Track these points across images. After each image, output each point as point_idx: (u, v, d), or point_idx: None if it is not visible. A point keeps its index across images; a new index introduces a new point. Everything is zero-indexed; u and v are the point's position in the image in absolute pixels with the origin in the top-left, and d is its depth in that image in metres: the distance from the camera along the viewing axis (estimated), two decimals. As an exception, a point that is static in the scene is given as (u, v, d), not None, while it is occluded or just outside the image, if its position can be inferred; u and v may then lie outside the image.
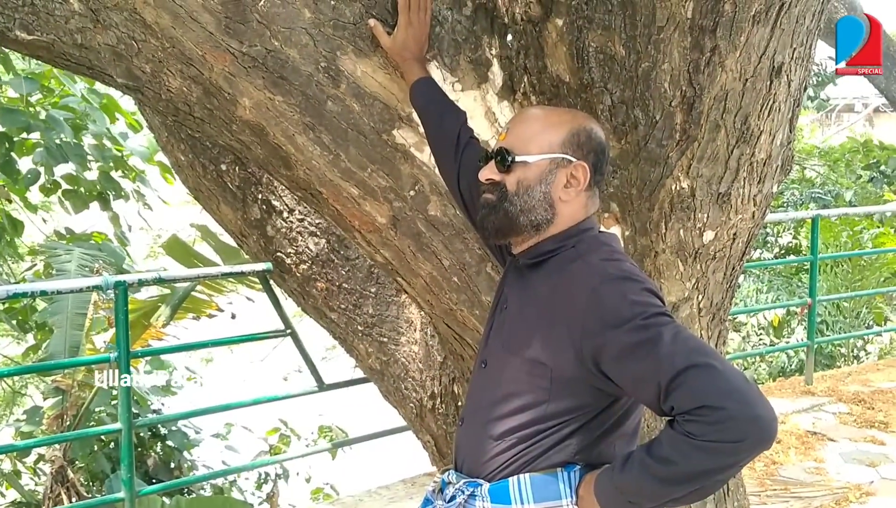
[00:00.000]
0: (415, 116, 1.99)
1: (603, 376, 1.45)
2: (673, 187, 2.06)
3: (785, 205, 11.28)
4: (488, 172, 1.62)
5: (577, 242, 1.59)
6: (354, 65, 1.93)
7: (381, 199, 2.09)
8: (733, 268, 2.35)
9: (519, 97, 2.06)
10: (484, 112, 2.06)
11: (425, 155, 2.04)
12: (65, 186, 5.97)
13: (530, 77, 2.03)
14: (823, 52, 13.54)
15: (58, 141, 5.40)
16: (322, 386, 3.78)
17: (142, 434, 5.64)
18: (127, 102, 6.09)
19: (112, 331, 4.80)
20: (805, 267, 8.66)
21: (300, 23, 1.85)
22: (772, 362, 10.45)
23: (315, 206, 2.26)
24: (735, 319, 10.93)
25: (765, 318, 9.67)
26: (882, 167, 11.50)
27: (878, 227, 10.10)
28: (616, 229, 2.15)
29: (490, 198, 1.61)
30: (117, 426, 3.18)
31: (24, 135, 5.57)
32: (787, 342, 9.94)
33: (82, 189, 5.90)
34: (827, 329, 9.28)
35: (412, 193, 2.10)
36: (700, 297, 2.32)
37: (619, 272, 1.50)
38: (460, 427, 1.69)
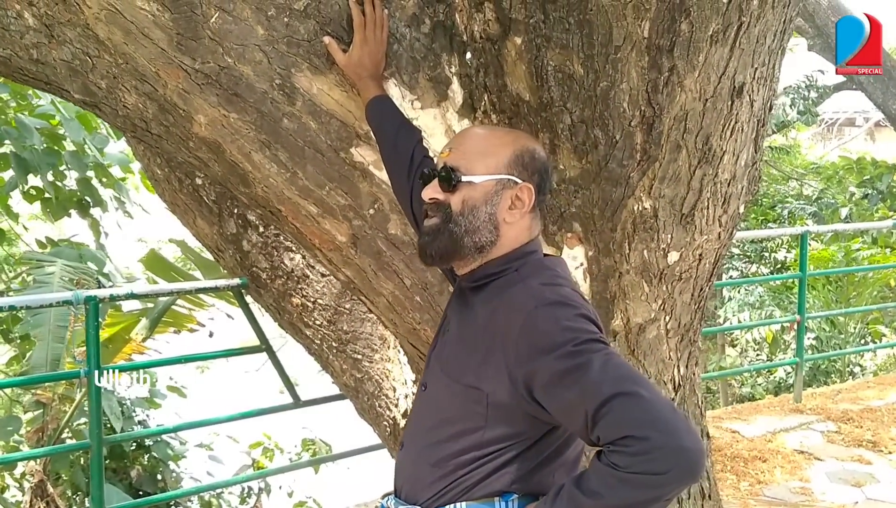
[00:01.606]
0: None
1: (536, 403, 1.41)
2: (635, 208, 2.03)
3: (781, 220, 11.26)
4: (432, 191, 1.58)
5: (521, 265, 1.56)
6: (310, 82, 1.90)
7: (340, 217, 2.07)
8: (701, 289, 2.32)
9: (479, 115, 2.03)
10: (444, 130, 2.04)
11: (384, 173, 2.01)
12: (47, 194, 5.93)
13: (490, 95, 2.00)
14: (818, 65, 13.54)
15: (28, 148, 5.33)
16: (298, 402, 3.74)
17: (124, 447, 5.59)
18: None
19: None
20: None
21: (253, 40, 1.82)
22: (769, 377, 10.43)
23: (276, 224, 2.24)
24: (732, 334, 10.92)
25: (759, 333, 9.64)
26: (876, 184, 11.47)
27: (872, 247, 10.09)
28: (579, 249, 2.13)
29: (434, 223, 1.57)
30: (87, 441, 3.14)
31: None
32: (782, 359, 9.91)
33: (57, 197, 5.84)
34: (821, 346, 9.23)
35: (371, 211, 2.07)
36: (667, 318, 2.29)
37: (556, 297, 1.46)
38: (400, 451, 1.66)
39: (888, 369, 9.67)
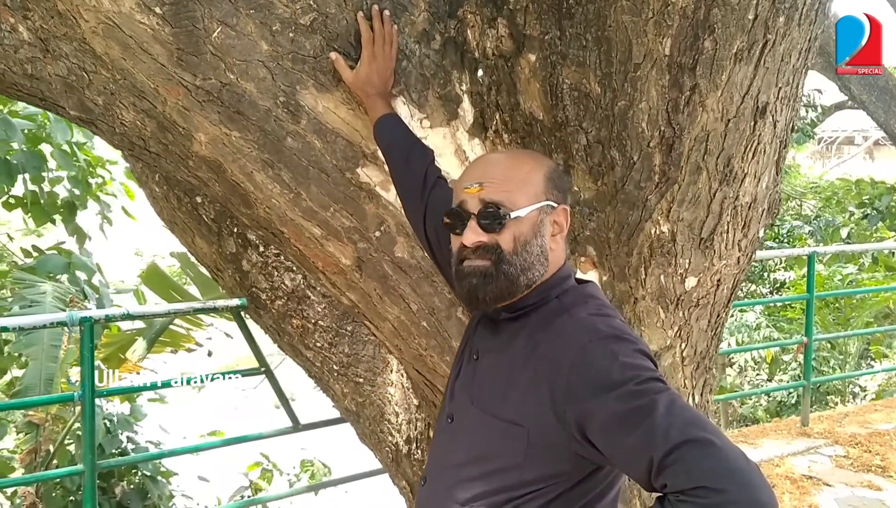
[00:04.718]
0: (380, 153, 1.89)
1: (588, 444, 1.31)
2: (652, 231, 1.95)
3: (780, 238, 11.21)
4: (474, 236, 1.43)
5: (560, 292, 1.47)
6: (315, 100, 1.82)
7: (344, 240, 1.99)
8: (718, 315, 2.24)
9: (491, 135, 1.96)
10: (454, 150, 1.96)
11: (391, 194, 1.93)
12: (27, 200, 5.83)
13: (502, 114, 1.93)
14: (816, 84, 13.52)
15: (13, 152, 5.22)
16: (297, 427, 3.64)
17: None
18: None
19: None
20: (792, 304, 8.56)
21: (257, 55, 1.75)
22: (770, 397, 10.34)
23: (278, 246, 2.16)
24: (731, 356, 10.84)
25: (759, 354, 9.56)
26: (876, 204, 11.43)
27: (873, 269, 10.05)
28: (593, 274, 2.05)
29: (482, 265, 1.43)
30: (80, 467, 3.04)
31: None
32: (782, 380, 9.83)
33: (39, 203, 5.74)
34: (821, 366, 9.16)
35: (378, 233, 1.99)
36: (683, 345, 2.21)
37: (610, 330, 1.37)
38: (423, 487, 1.56)
39: (890, 390, 9.58)
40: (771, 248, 10.40)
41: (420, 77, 1.90)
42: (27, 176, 5.71)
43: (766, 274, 11.20)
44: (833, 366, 9.49)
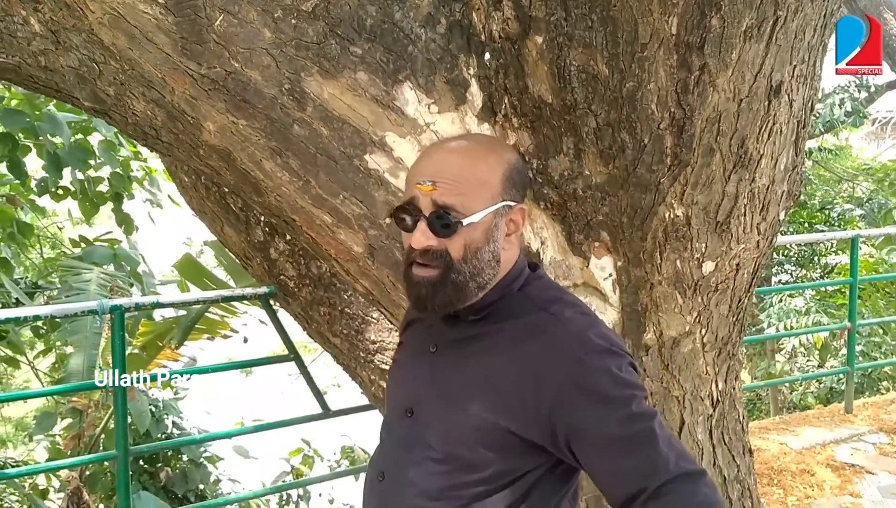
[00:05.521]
0: (388, 139, 1.88)
1: (570, 453, 1.34)
2: (666, 215, 1.91)
3: (830, 222, 10.96)
4: (424, 239, 1.37)
5: (521, 284, 1.46)
6: (321, 86, 1.82)
7: (355, 227, 1.98)
8: (739, 300, 2.19)
9: (500, 119, 1.93)
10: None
11: (400, 181, 1.92)
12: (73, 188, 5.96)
13: (511, 98, 1.90)
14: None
15: (58, 143, 5.33)
16: (327, 413, 3.67)
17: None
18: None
19: (129, 350, 4.77)
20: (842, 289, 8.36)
21: (260, 43, 1.75)
22: (819, 384, 10.14)
23: (291, 234, 2.17)
24: (780, 340, 10.64)
25: (808, 340, 9.37)
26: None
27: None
28: (608, 260, 2.02)
29: (429, 275, 1.38)
30: (114, 452, 3.10)
31: (24, 139, 5.52)
32: (833, 366, 9.64)
33: (88, 193, 5.85)
34: (871, 351, 8.94)
35: (388, 220, 1.98)
36: (703, 331, 2.17)
37: (603, 342, 1.36)
38: (381, 482, 1.50)
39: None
40: (821, 231, 10.16)
41: (426, 62, 1.88)
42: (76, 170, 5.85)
43: (816, 258, 10.98)
44: (885, 351, 9.27)
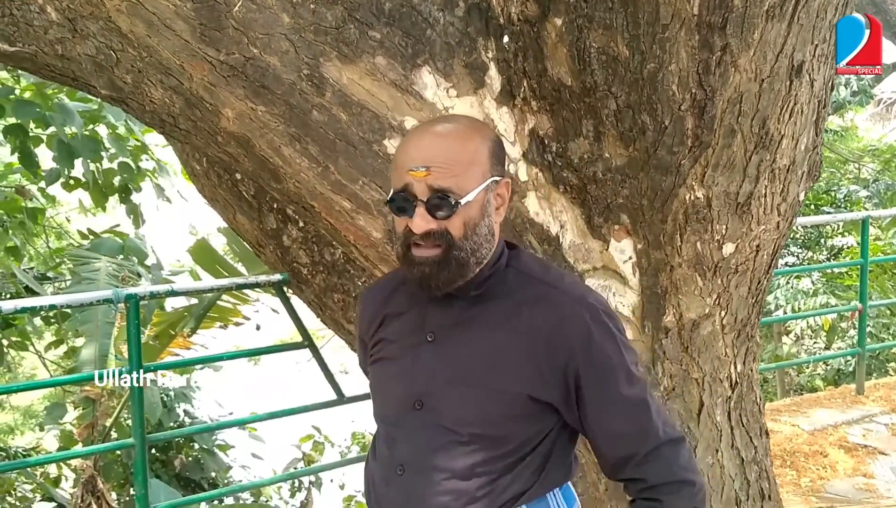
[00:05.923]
0: (407, 124, 1.87)
1: (577, 410, 1.45)
2: (687, 197, 1.91)
3: (836, 203, 10.92)
4: (424, 224, 1.37)
5: (508, 258, 1.50)
6: (339, 72, 1.81)
7: (374, 213, 1.98)
8: (759, 282, 2.19)
9: (519, 102, 1.92)
10: (482, 119, 1.93)
11: (419, 166, 1.91)
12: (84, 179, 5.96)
13: (530, 81, 1.89)
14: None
15: (69, 133, 5.32)
16: (342, 399, 3.67)
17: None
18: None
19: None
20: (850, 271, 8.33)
21: (279, 28, 1.74)
22: (827, 366, 10.14)
23: (310, 220, 2.16)
24: (786, 322, 10.63)
25: (815, 322, 9.35)
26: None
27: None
28: (627, 242, 2.01)
29: (433, 254, 1.39)
30: (130, 441, 3.11)
31: (35, 129, 5.51)
32: (840, 347, 9.62)
33: (99, 183, 5.85)
34: (880, 333, 8.92)
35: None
36: (723, 313, 2.17)
37: (602, 306, 1.47)
38: (399, 476, 1.48)
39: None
40: (827, 213, 10.13)
41: (445, 45, 1.87)
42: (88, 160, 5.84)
43: (822, 240, 10.94)
44: (893, 332, 9.25)
